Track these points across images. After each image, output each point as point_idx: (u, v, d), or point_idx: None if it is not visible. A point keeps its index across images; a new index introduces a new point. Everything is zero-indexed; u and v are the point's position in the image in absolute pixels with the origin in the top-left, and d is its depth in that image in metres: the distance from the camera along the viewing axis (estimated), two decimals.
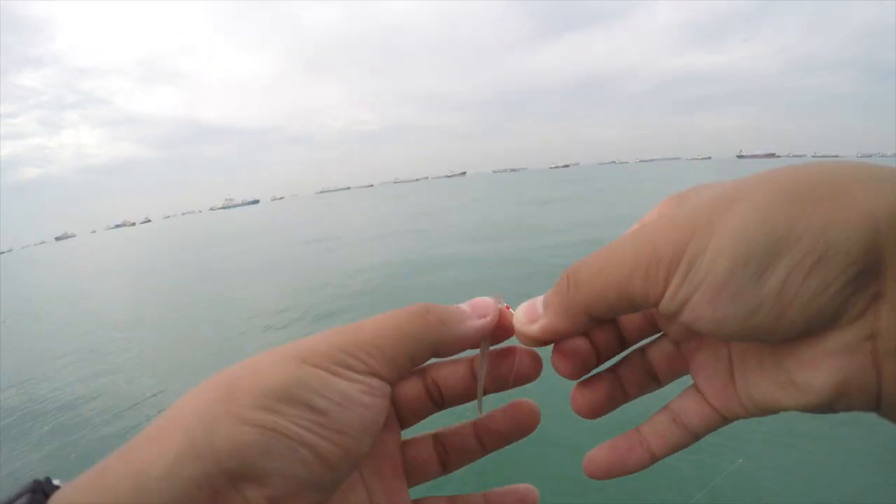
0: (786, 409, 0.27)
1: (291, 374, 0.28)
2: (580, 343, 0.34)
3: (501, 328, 0.35)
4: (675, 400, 0.34)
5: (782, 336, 0.25)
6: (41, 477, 0.27)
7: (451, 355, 0.35)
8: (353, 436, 0.29)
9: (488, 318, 0.34)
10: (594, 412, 0.35)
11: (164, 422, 0.27)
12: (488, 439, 0.37)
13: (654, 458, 0.34)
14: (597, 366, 0.35)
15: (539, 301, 0.33)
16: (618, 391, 0.35)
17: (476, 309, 0.34)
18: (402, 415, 0.36)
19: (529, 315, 0.33)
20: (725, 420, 0.32)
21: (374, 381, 0.30)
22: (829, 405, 0.25)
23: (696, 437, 0.33)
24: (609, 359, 0.36)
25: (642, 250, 0.27)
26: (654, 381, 0.35)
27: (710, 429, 0.32)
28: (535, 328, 0.32)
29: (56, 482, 0.27)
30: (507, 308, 0.35)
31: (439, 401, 0.36)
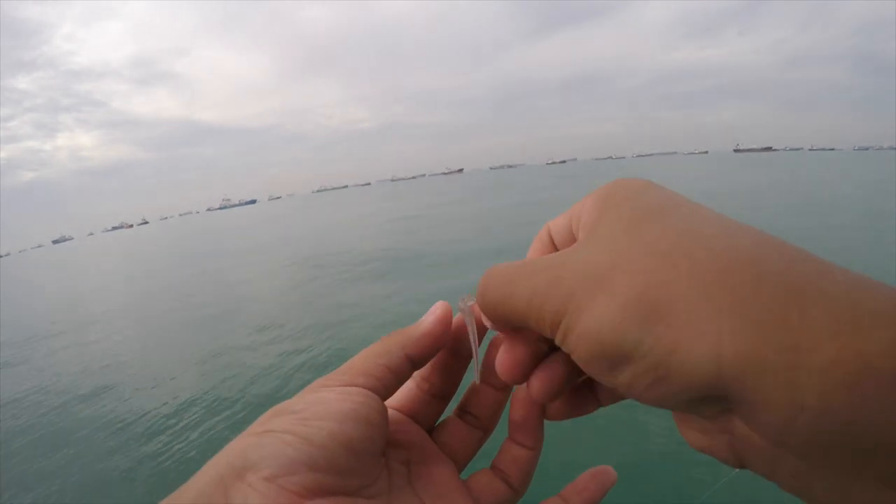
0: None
1: (285, 402, 0.33)
2: (518, 348, 0.34)
3: (480, 321, 0.37)
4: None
5: (647, 403, 0.27)
6: None
7: (429, 356, 0.38)
8: (333, 420, 0.31)
9: (439, 312, 0.37)
10: (560, 412, 0.37)
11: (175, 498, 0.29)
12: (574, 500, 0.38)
13: (601, 405, 0.37)
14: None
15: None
16: (587, 394, 0.37)
17: (429, 313, 0.38)
18: (451, 450, 0.39)
19: (476, 306, 0.36)
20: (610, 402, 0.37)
21: (350, 388, 0.33)
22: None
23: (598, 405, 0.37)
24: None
25: (533, 301, 0.29)
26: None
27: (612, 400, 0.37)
28: (489, 323, 0.35)
29: None
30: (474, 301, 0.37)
31: (478, 424, 0.40)
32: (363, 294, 9.35)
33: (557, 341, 0.29)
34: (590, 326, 0.26)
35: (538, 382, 0.34)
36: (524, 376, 0.34)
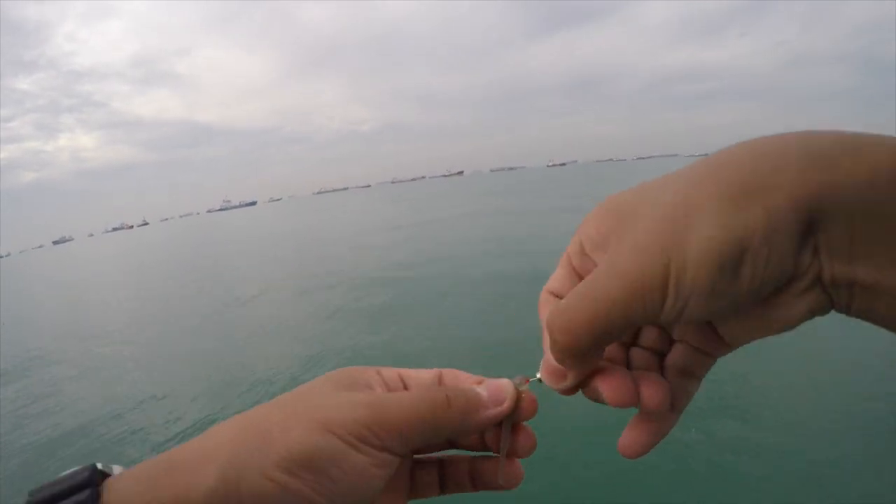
0: (766, 336, 0.32)
1: (316, 443, 0.31)
2: (621, 375, 0.34)
3: (521, 411, 0.37)
4: (671, 357, 0.37)
5: (758, 302, 0.30)
6: (101, 465, 0.33)
7: (465, 442, 0.39)
8: (355, 499, 0.33)
9: (505, 406, 0.36)
10: (647, 446, 0.36)
11: (204, 451, 0.32)
12: (479, 483, 0.39)
13: (679, 414, 0.36)
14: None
15: (550, 357, 0.34)
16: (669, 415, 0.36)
17: (494, 395, 0.36)
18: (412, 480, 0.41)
19: (554, 375, 0.35)
20: (715, 358, 0.36)
21: (386, 456, 0.33)
22: (798, 325, 0.31)
23: (700, 379, 0.37)
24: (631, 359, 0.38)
25: (632, 284, 0.29)
26: (693, 378, 0.37)
27: (708, 369, 0.36)
28: (570, 382, 0.34)
29: (107, 468, 0.33)
30: (528, 385, 0.37)
31: (441, 483, 0.40)
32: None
33: (671, 297, 0.29)
34: (703, 245, 0.28)
35: (654, 392, 0.34)
36: (636, 396, 0.34)
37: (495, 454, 0.38)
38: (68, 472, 0.32)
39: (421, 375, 0.40)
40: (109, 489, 0.30)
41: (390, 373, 0.40)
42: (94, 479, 0.31)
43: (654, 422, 0.35)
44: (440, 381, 0.40)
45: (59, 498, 0.30)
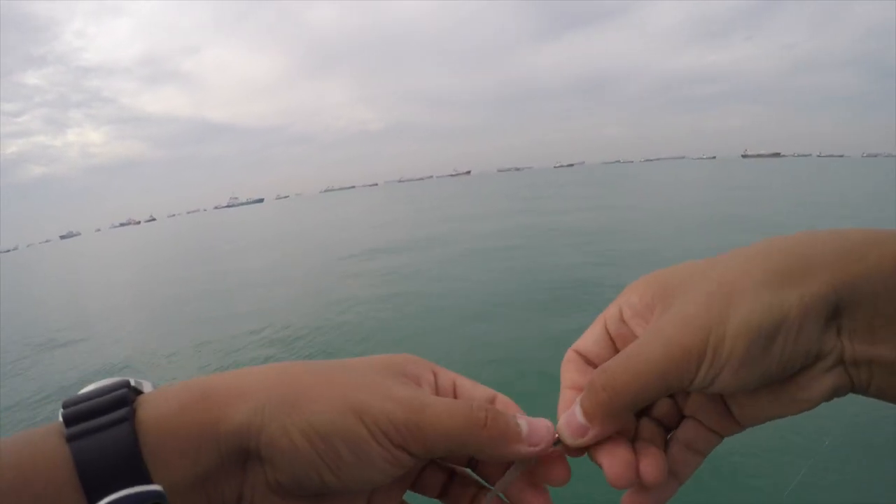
0: (780, 416, 0.34)
1: (338, 422, 0.32)
2: (625, 450, 0.35)
3: (551, 471, 0.37)
4: (680, 431, 0.38)
5: (785, 377, 0.33)
6: (132, 380, 0.34)
7: (487, 467, 0.39)
8: (360, 483, 0.34)
9: (539, 448, 0.35)
10: None
11: (240, 389, 0.33)
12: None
13: (680, 484, 0.38)
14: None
15: (577, 412, 0.35)
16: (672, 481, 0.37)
17: (533, 433, 0.35)
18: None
19: (576, 431, 0.35)
20: (723, 438, 0.38)
21: (404, 456, 0.33)
22: (818, 404, 0.33)
23: (704, 456, 0.38)
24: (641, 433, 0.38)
25: (672, 350, 0.32)
26: (697, 454, 0.38)
27: (713, 448, 0.38)
28: (587, 440, 0.35)
29: (140, 384, 0.34)
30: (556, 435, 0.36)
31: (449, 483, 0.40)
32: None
33: (706, 364, 0.32)
34: (744, 319, 0.31)
35: (652, 469, 0.34)
36: (635, 472, 0.34)
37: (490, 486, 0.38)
38: (102, 384, 0.33)
39: (475, 390, 0.40)
40: (142, 407, 0.31)
41: (446, 377, 0.40)
42: (129, 397, 0.31)
43: (655, 491, 0.36)
44: (493, 402, 0.39)
45: (96, 413, 0.30)
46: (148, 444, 0.30)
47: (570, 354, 0.40)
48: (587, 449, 0.36)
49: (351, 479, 0.33)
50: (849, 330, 0.31)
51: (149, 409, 0.31)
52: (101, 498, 0.28)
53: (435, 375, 0.40)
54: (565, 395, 0.39)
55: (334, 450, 0.32)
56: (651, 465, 0.34)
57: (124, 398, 0.31)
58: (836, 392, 0.32)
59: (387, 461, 0.33)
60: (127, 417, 0.30)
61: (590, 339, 0.40)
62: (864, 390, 0.32)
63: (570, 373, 0.40)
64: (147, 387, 0.34)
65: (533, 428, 0.35)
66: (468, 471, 0.40)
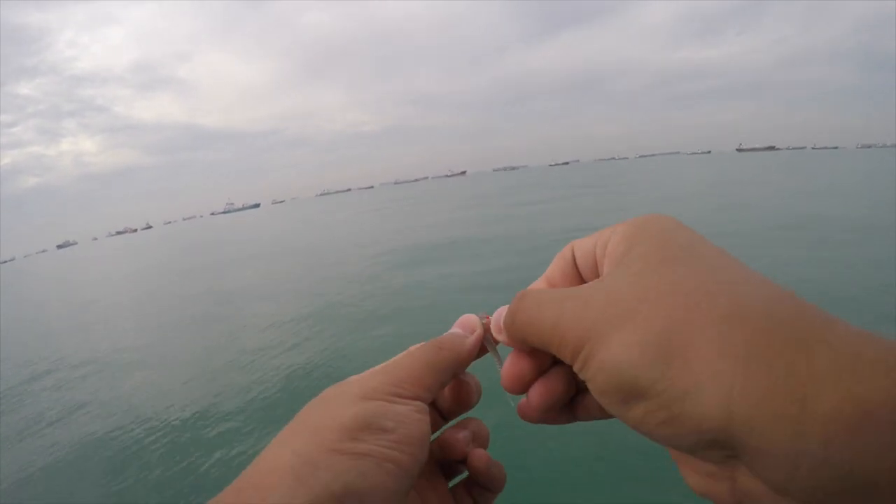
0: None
1: (361, 408, 0.34)
2: (523, 364, 0.37)
3: (491, 336, 0.42)
4: (581, 395, 0.39)
5: (653, 440, 0.29)
6: None
7: (465, 369, 0.43)
8: (417, 445, 0.35)
9: (478, 332, 0.42)
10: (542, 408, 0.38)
11: (265, 465, 0.31)
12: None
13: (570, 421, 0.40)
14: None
15: (502, 314, 0.39)
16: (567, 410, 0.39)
17: (465, 327, 0.43)
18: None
19: (496, 328, 0.40)
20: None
21: (418, 403, 0.37)
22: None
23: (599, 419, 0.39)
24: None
25: (557, 330, 0.32)
26: (591, 417, 0.39)
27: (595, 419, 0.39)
28: (501, 339, 0.40)
29: None
30: (488, 319, 0.42)
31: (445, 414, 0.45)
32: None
33: (576, 368, 0.32)
34: (609, 358, 0.29)
35: (537, 395, 0.37)
36: (525, 388, 0.37)
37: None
38: None
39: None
40: None
41: (370, 373, 0.42)
42: None
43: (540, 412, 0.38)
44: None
45: None
46: None
47: (566, 249, 0.40)
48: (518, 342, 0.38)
49: (411, 447, 0.34)
50: (747, 464, 0.25)
51: None
52: None
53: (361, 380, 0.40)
54: (539, 281, 0.41)
55: (379, 429, 0.34)
56: (539, 392, 0.37)
57: None
58: (712, 496, 0.29)
59: (415, 411, 0.37)
60: None
61: (584, 246, 0.38)
62: None
63: (555, 266, 0.40)
64: None
65: (462, 323, 0.43)
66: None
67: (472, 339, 0.42)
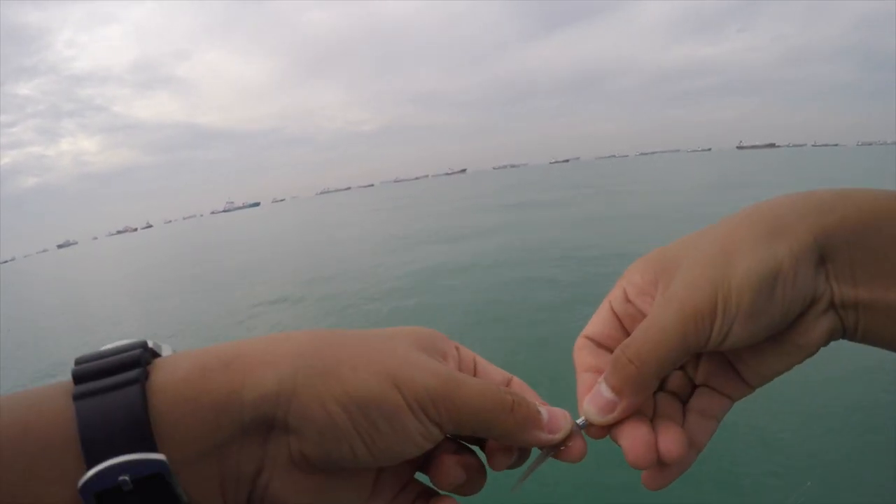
0: (787, 368, 0.37)
1: (378, 392, 0.31)
2: (644, 430, 0.36)
3: (570, 450, 0.37)
4: (694, 400, 0.40)
5: (787, 322, 0.35)
6: (151, 343, 0.33)
7: (498, 446, 0.38)
8: (390, 456, 0.33)
9: (557, 436, 0.36)
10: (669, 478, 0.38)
11: (267, 354, 0.32)
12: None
13: (699, 451, 0.39)
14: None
15: (603, 390, 0.36)
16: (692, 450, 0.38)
17: (552, 422, 0.36)
18: None
19: (604, 407, 0.36)
20: (734, 401, 0.40)
21: (435, 430, 0.33)
22: (817, 350, 0.36)
23: (719, 421, 0.40)
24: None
25: (686, 312, 0.34)
26: (713, 419, 0.39)
27: (727, 411, 0.40)
28: (616, 415, 0.36)
29: (159, 347, 0.33)
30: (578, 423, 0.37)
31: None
32: None
33: (718, 320, 0.34)
34: (745, 274, 0.34)
35: (672, 445, 0.35)
36: (654, 453, 0.35)
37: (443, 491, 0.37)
38: (120, 344, 0.32)
39: (492, 371, 0.41)
40: (158, 369, 0.30)
41: (467, 354, 0.41)
42: (144, 358, 0.30)
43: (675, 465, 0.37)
44: (509, 384, 0.40)
45: (106, 372, 0.29)
46: (159, 410, 0.28)
47: (581, 341, 0.41)
48: (611, 428, 0.37)
49: (382, 452, 0.32)
50: (834, 274, 0.34)
51: (165, 373, 0.30)
52: (99, 462, 0.26)
53: (458, 351, 0.40)
54: (583, 378, 0.39)
55: (371, 421, 0.31)
56: (670, 441, 0.35)
57: (138, 359, 0.30)
58: (832, 335, 0.35)
59: (421, 434, 0.33)
60: (138, 379, 0.29)
61: (598, 322, 0.41)
62: (853, 334, 0.35)
63: (585, 357, 0.40)
64: (167, 350, 0.34)
65: (552, 416, 0.37)
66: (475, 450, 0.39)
67: (545, 437, 0.36)
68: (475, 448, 0.39)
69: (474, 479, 0.37)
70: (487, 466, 0.38)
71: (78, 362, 0.30)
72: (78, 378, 0.29)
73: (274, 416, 0.30)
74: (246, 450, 0.30)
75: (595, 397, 0.37)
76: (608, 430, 0.37)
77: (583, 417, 0.37)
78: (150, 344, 0.32)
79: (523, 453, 0.38)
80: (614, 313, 0.41)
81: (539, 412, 0.36)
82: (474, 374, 0.40)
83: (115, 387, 0.28)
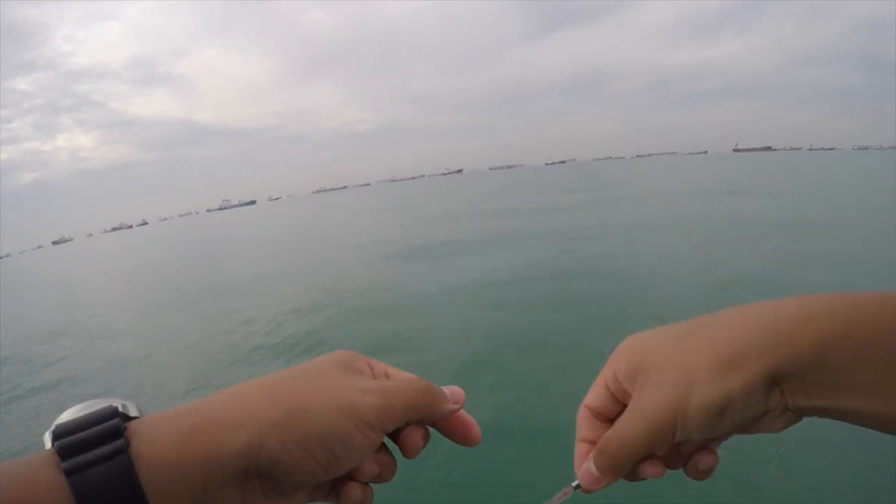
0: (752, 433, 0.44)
1: (332, 427, 0.37)
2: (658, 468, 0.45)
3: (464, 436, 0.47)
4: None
5: (741, 428, 0.42)
6: (118, 403, 0.36)
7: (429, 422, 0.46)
8: (342, 470, 0.40)
9: (458, 406, 0.46)
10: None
11: (236, 415, 0.36)
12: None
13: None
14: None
15: (591, 468, 0.44)
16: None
17: (454, 395, 0.46)
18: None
19: (592, 481, 0.44)
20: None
21: (380, 436, 0.41)
22: (779, 431, 0.43)
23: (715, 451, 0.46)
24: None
25: (652, 428, 0.41)
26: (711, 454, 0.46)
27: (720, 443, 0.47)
28: (602, 486, 0.44)
29: (131, 410, 0.37)
30: (570, 494, 0.45)
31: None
32: None
33: (679, 433, 0.41)
34: (700, 400, 0.40)
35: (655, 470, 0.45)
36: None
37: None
38: (89, 410, 0.35)
39: (404, 374, 0.47)
40: (136, 435, 0.33)
41: (378, 366, 0.47)
42: (121, 426, 0.33)
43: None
44: None
45: (90, 444, 0.31)
46: (149, 477, 0.31)
47: (582, 410, 0.49)
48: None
49: (337, 470, 0.39)
50: (788, 392, 0.39)
51: (145, 439, 0.33)
52: None
53: (371, 367, 0.46)
54: (580, 447, 0.47)
55: (329, 450, 0.37)
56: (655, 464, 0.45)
57: (117, 428, 0.33)
58: (788, 425, 0.42)
59: (369, 445, 0.40)
60: (123, 449, 0.31)
61: (595, 395, 0.48)
62: (812, 415, 0.41)
63: (583, 428, 0.48)
64: (132, 409, 0.37)
65: (451, 391, 0.46)
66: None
67: (452, 407, 0.45)
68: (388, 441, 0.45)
69: (387, 471, 0.44)
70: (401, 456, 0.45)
71: (57, 436, 0.32)
72: (63, 453, 0.31)
73: (248, 466, 0.35)
74: (227, 496, 0.35)
75: (586, 473, 0.44)
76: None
77: (577, 481, 0.45)
78: (119, 407, 0.36)
79: (428, 435, 0.46)
80: (608, 389, 0.47)
81: (442, 390, 0.46)
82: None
83: (103, 459, 0.31)
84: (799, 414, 0.41)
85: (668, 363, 0.43)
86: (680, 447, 0.46)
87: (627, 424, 0.43)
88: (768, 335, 0.40)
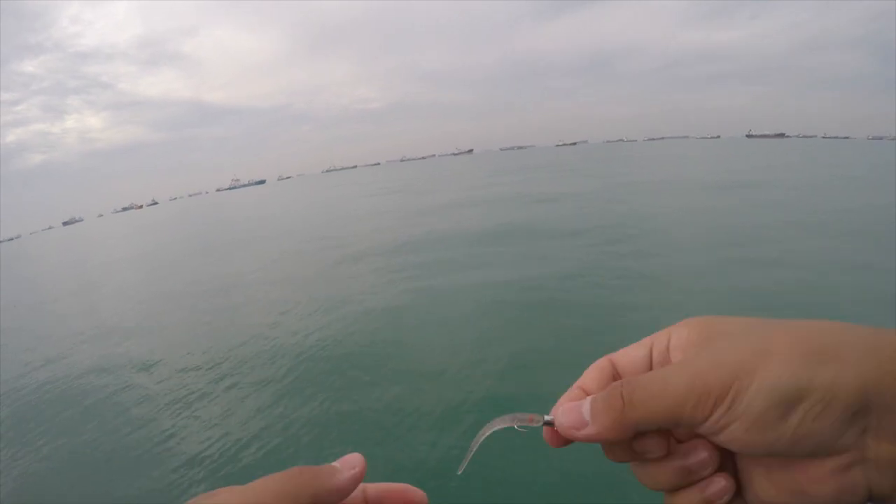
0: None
1: None
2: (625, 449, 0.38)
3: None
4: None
5: (793, 456, 0.33)
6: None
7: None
8: None
9: (357, 470, 0.38)
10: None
11: None
12: None
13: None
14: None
15: (584, 407, 0.37)
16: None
17: (346, 463, 0.38)
18: None
19: (574, 421, 0.37)
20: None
21: None
22: None
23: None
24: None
25: (696, 383, 0.33)
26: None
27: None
28: (581, 435, 0.37)
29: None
30: (538, 424, 0.39)
31: None
32: None
33: (721, 410, 0.33)
34: (770, 378, 0.32)
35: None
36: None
37: None
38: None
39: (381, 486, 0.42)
40: None
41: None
42: None
43: None
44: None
45: None
46: None
47: (602, 361, 0.42)
48: (570, 442, 0.38)
49: None
50: (875, 428, 0.30)
51: None
52: None
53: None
54: (573, 391, 0.41)
55: None
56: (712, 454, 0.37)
57: None
58: (852, 495, 0.32)
59: None
60: None
61: (629, 353, 0.42)
62: (884, 501, 0.31)
63: (591, 376, 0.41)
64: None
65: (344, 460, 0.39)
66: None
67: (344, 475, 0.37)
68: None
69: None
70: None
71: None
72: None
73: None
74: None
75: (572, 410, 0.38)
76: (562, 443, 0.38)
77: (552, 417, 0.38)
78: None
79: None
80: (651, 354, 0.41)
81: (328, 465, 0.38)
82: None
83: None
84: (871, 480, 0.31)
85: (745, 331, 0.36)
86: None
87: (669, 371, 0.36)
88: (870, 343, 0.32)
